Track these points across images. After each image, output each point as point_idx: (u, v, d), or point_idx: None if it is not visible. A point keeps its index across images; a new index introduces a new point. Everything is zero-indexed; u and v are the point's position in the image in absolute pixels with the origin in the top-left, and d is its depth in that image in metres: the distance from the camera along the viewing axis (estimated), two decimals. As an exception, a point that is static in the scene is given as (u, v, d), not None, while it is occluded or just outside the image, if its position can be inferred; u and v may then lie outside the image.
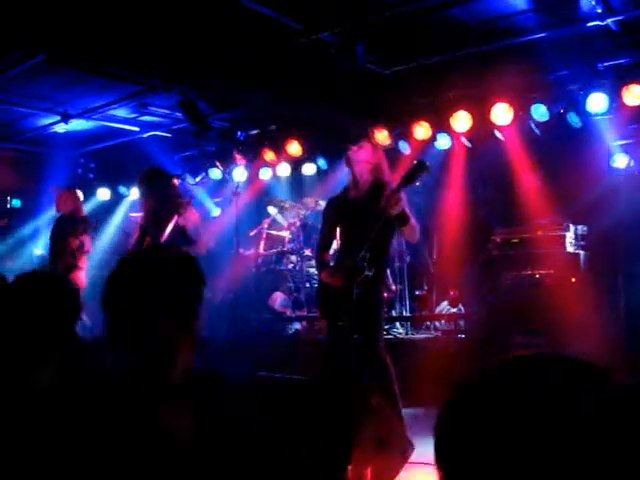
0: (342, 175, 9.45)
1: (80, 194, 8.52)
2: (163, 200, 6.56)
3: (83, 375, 2.32)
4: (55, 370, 2.09)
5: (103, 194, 11.68)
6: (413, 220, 5.03)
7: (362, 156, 5.24)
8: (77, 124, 9.49)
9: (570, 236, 7.58)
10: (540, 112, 7.83)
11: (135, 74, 7.75)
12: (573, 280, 7.32)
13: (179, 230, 6.47)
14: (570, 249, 7.54)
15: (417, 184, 4.94)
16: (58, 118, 9.22)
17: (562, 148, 8.16)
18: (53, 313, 2.14)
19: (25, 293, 2.14)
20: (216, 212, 11.10)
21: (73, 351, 2.19)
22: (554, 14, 6.53)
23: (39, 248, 11.36)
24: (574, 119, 7.73)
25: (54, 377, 2.08)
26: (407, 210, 4.98)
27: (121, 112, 9.27)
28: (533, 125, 7.99)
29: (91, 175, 11.63)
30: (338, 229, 5.48)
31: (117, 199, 11.78)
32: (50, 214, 11.34)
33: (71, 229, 7.92)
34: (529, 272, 7.51)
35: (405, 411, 5.23)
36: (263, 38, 6.65)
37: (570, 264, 7.45)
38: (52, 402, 1.98)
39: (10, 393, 1.95)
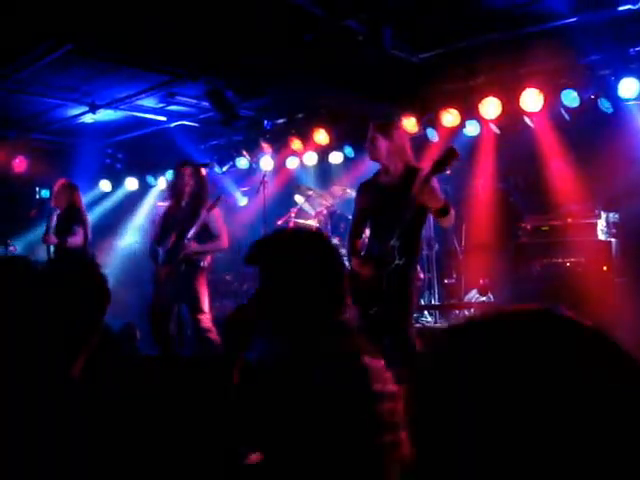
0: (369, 163, 9.42)
1: (75, 186, 8.37)
2: (193, 196, 6.72)
3: (112, 362, 2.32)
4: (88, 358, 2.09)
5: (131, 184, 11.74)
6: (452, 211, 5.00)
7: (381, 147, 5.20)
8: (105, 114, 9.54)
9: (601, 224, 7.45)
10: (571, 98, 7.72)
11: (162, 64, 7.76)
12: (605, 268, 7.21)
13: (203, 226, 6.65)
14: (601, 237, 7.42)
15: (447, 172, 4.90)
16: (86, 109, 9.27)
17: (593, 134, 8.03)
18: (89, 297, 2.13)
19: (60, 278, 2.13)
20: (243, 201, 11.12)
21: (103, 338, 2.18)
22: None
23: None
24: (605, 104, 7.61)
25: (87, 364, 2.07)
26: (447, 201, 4.94)
27: (148, 102, 9.29)
28: (563, 111, 7.88)
29: (119, 165, 11.71)
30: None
31: (145, 189, 11.83)
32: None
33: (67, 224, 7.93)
34: (559, 260, 7.41)
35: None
36: (289, 26, 6.62)
37: (601, 252, 7.32)
38: (87, 390, 1.98)
39: (47, 379, 1.94)
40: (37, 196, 10.99)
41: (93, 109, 9.20)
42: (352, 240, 5.39)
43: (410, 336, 4.97)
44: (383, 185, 5.19)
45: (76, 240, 7.83)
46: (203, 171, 7.22)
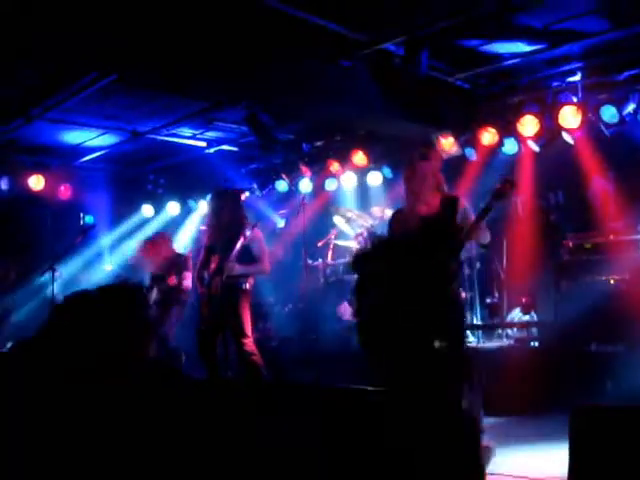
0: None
1: (168, 237, 9.21)
2: (232, 221, 6.79)
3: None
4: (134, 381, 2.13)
5: (173, 208, 11.89)
6: (488, 236, 5.15)
7: (421, 173, 5.23)
8: (146, 141, 9.70)
9: (644, 240, 7.37)
10: (610, 113, 7.65)
11: (201, 91, 7.88)
12: (649, 285, 7.11)
13: (244, 249, 6.67)
14: (645, 253, 7.33)
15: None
16: (128, 136, 9.44)
17: (633, 149, 7.96)
18: (136, 323, 2.18)
19: (108, 305, 2.18)
20: (281, 223, 11.17)
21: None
22: (621, 14, 6.38)
23: (110, 264, 11.63)
24: (645, 119, 7.55)
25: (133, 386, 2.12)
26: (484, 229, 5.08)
27: (189, 128, 9.43)
28: (603, 127, 7.81)
29: (160, 190, 11.85)
30: None
31: (186, 213, 11.97)
32: (124, 229, 11.69)
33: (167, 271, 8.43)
34: (602, 277, 7.33)
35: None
36: (326, 50, 6.69)
37: (645, 269, 7.23)
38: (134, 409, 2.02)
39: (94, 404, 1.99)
40: (81, 222, 11.20)
41: (135, 136, 9.38)
42: None
43: (465, 352, 5.10)
44: (422, 215, 5.20)
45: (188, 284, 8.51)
46: (242, 196, 7.32)
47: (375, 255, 2.29)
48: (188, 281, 8.43)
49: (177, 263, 8.51)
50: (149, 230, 11.81)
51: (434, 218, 5.14)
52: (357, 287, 2.27)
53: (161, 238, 9.09)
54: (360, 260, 2.32)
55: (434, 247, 4.92)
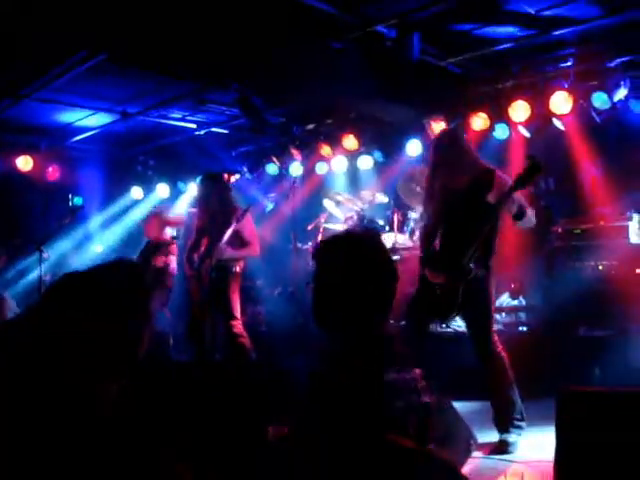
0: (399, 168, 9.42)
1: (166, 216, 8.95)
2: (222, 205, 6.79)
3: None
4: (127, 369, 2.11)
5: (162, 190, 11.84)
6: (529, 211, 5.07)
7: (447, 143, 5.15)
8: (136, 122, 9.64)
9: (634, 226, 7.36)
10: (601, 100, 7.65)
11: (192, 71, 7.83)
12: (638, 271, 7.14)
13: (235, 233, 6.66)
14: (634, 239, 7.34)
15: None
16: (118, 117, 9.38)
17: (624, 136, 7.96)
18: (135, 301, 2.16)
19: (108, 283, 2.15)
20: (270, 207, 11.14)
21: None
22: (612, 1, 6.36)
23: (99, 245, 11.59)
24: (636, 106, 7.55)
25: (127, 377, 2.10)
26: (523, 202, 4.97)
27: (179, 110, 9.37)
28: (594, 113, 7.81)
29: (150, 172, 11.80)
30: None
31: (176, 195, 11.92)
32: (113, 210, 11.65)
33: (155, 252, 8.38)
34: (592, 263, 7.34)
35: (466, 404, 5.21)
36: (317, 32, 6.65)
37: (634, 255, 7.23)
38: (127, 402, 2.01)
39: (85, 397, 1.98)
40: (70, 204, 11.14)
41: (125, 117, 9.31)
42: (427, 248, 5.18)
43: (492, 342, 5.04)
44: (452, 190, 5.03)
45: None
46: (232, 178, 7.30)
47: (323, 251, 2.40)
48: (173, 264, 8.42)
49: (164, 246, 8.44)
50: (138, 212, 11.77)
51: (463, 194, 4.96)
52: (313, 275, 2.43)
53: (154, 217, 8.94)
54: (315, 252, 2.43)
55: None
